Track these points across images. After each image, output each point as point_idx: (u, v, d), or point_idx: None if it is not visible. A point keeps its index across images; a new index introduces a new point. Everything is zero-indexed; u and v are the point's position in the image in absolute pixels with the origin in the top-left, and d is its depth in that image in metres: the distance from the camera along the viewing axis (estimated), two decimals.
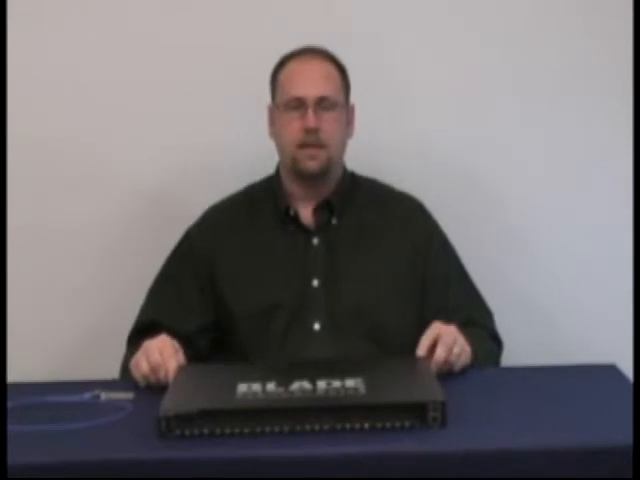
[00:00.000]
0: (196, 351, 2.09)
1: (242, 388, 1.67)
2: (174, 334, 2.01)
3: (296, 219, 2.16)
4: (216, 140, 2.46)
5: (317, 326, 2.11)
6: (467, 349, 1.94)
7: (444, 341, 1.89)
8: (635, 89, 2.34)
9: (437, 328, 1.94)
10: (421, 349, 1.91)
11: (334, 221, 2.17)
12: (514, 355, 2.21)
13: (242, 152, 2.44)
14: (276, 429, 1.58)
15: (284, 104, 2.10)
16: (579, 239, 2.48)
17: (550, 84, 2.44)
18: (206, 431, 1.57)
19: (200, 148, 2.46)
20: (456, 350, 1.90)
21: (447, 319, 2.00)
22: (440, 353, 1.88)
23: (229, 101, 2.43)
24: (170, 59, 2.42)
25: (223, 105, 2.43)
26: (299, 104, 2.08)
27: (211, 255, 2.16)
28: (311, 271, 2.13)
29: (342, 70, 2.16)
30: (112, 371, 2.05)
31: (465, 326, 2.01)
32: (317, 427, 1.58)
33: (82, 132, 2.44)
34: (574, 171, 2.47)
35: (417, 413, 1.59)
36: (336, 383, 1.67)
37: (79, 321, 2.50)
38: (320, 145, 2.08)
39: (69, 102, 2.42)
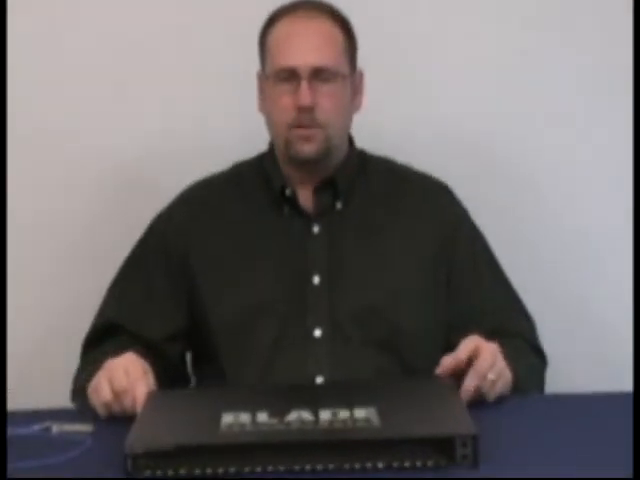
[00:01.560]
0: (167, 361, 1.90)
1: (227, 419, 1.50)
2: (139, 340, 1.84)
3: (293, 201, 1.94)
4: (198, 115, 2.27)
5: (318, 332, 1.88)
6: (507, 375, 1.71)
7: (478, 366, 1.65)
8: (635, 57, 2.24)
9: (474, 341, 1.70)
10: (445, 364, 1.67)
11: (339, 205, 1.94)
12: (561, 370, 2.02)
13: (229, 128, 2.26)
14: (269, 469, 1.41)
15: (273, 75, 1.88)
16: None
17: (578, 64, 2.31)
18: (183, 472, 1.41)
19: (181, 125, 2.28)
20: (491, 376, 1.66)
21: (477, 325, 1.79)
22: (470, 381, 1.64)
23: (213, 73, 2.25)
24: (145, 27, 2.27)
25: (205, 77, 2.26)
26: (291, 75, 1.86)
27: (186, 244, 1.94)
28: (311, 265, 1.90)
29: (346, 29, 1.91)
30: (66, 397, 1.87)
31: (500, 335, 1.79)
32: (320, 467, 1.41)
33: (57, 116, 2.29)
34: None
35: (443, 450, 1.41)
36: (343, 413, 1.50)
37: (25, 332, 2.31)
38: (316, 125, 1.86)
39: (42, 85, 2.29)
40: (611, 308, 2.31)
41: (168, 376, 1.82)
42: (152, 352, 1.81)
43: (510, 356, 1.73)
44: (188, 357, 2.01)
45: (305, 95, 1.82)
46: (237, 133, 2.22)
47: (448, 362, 1.67)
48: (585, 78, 2.31)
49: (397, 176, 2.00)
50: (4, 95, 2.18)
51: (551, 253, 2.33)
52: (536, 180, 2.32)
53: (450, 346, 1.78)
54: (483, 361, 1.65)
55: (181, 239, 1.94)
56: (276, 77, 1.86)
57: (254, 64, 1.95)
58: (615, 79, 2.29)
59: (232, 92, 2.19)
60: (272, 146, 1.97)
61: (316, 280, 1.90)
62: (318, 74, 1.84)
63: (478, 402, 1.64)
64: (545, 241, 2.33)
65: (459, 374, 1.66)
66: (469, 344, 1.68)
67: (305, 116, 1.84)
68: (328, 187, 1.93)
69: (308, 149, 1.86)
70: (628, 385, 1.80)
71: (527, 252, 2.29)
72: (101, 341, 1.85)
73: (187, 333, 1.94)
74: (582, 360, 2.27)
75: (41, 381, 2.26)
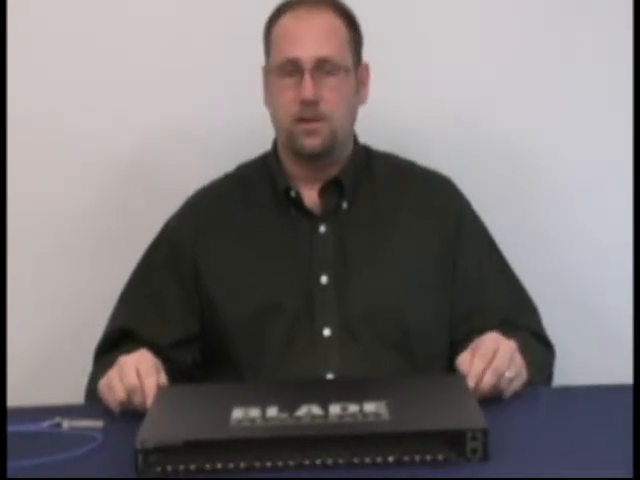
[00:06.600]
0: (178, 366, 1.87)
1: (237, 414, 1.49)
2: (152, 346, 1.80)
3: (298, 202, 1.92)
4: (201, 110, 2.24)
5: (327, 331, 1.87)
6: (523, 374, 1.69)
7: (496, 363, 1.63)
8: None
9: (495, 341, 1.67)
10: (473, 371, 1.62)
11: (345, 204, 1.93)
12: (568, 362, 2.00)
13: (235, 124, 2.23)
14: (279, 463, 1.40)
15: (277, 68, 1.87)
16: None
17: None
18: (193, 467, 1.40)
19: (184, 120, 2.25)
20: (509, 374, 1.64)
21: (484, 320, 1.79)
22: (488, 379, 1.62)
23: (218, 63, 2.22)
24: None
25: (210, 68, 2.23)
26: (294, 68, 1.84)
27: (195, 250, 1.94)
28: (318, 265, 1.89)
29: (351, 22, 1.91)
30: (76, 393, 1.86)
31: (507, 329, 1.76)
32: (330, 461, 1.40)
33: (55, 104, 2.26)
34: None
35: (453, 444, 1.40)
36: (353, 407, 1.49)
37: (34, 329, 2.28)
38: (320, 118, 1.84)
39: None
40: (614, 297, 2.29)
41: (180, 382, 1.80)
42: (164, 359, 1.79)
43: (519, 350, 1.70)
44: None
45: (308, 88, 1.81)
46: (242, 129, 2.19)
47: (478, 366, 1.63)
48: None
49: (401, 172, 1.98)
50: (4, 95, 2.15)
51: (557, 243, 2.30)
52: (543, 173, 2.29)
53: (454, 341, 1.79)
54: (501, 359, 1.64)
55: (190, 246, 1.93)
56: (279, 70, 1.85)
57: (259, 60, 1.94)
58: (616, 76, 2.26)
59: (236, 89, 2.17)
60: (276, 145, 1.96)
61: (324, 280, 1.88)
62: (321, 66, 1.83)
63: (493, 398, 1.62)
64: (549, 232, 2.30)
65: None
66: (490, 345, 1.66)
67: (309, 109, 1.83)
68: (333, 187, 1.92)
69: (312, 142, 1.85)
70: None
71: (531, 242, 2.26)
72: (114, 347, 1.84)
73: (199, 339, 1.93)
74: (588, 350, 2.25)
75: (52, 377, 2.25)
